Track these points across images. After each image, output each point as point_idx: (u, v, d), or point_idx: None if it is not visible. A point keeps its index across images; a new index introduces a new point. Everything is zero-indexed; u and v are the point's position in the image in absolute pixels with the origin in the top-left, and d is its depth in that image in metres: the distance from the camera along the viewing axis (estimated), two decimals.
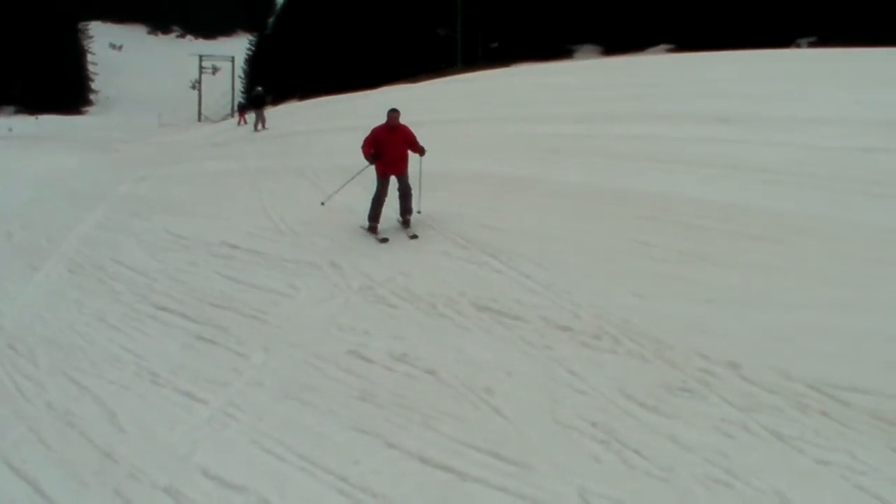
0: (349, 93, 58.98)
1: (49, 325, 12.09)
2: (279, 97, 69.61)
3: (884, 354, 8.35)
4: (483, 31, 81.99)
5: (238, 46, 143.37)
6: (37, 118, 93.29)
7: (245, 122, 48.63)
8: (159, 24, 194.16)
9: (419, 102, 35.48)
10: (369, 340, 10.12)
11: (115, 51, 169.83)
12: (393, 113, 15.07)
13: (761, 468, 6.67)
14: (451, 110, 32.55)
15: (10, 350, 11.09)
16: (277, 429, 8.09)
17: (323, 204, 16.70)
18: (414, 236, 14.52)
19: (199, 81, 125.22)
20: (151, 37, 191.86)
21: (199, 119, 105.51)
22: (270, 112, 41.20)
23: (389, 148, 14.81)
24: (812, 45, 53.17)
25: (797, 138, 17.81)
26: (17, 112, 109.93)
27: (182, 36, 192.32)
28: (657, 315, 9.63)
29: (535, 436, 7.52)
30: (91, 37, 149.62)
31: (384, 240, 14.50)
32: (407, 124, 15.28)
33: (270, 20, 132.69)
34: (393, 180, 15.09)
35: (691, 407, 7.76)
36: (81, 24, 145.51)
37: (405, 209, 15.24)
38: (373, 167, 15.03)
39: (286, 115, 47.68)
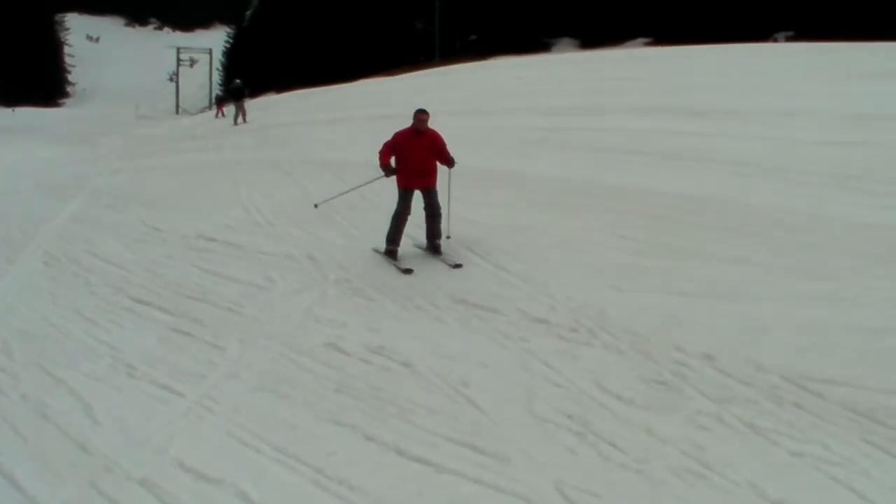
0: (327, 86, 58.94)
1: (24, 318, 12.02)
2: (257, 90, 69.34)
3: (857, 347, 8.40)
4: (461, 23, 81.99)
5: (216, 39, 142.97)
6: (13, 110, 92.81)
7: (223, 115, 48.49)
8: (137, 16, 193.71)
9: (397, 95, 35.52)
10: (346, 333, 10.12)
11: (92, 43, 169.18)
12: (421, 115, 12.64)
13: (736, 460, 6.70)
14: (428, 103, 32.40)
15: None
16: (254, 421, 8.07)
17: (316, 206, 14.86)
18: (457, 265, 12.19)
19: (177, 74, 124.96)
20: (129, 29, 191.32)
21: (177, 111, 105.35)
22: (248, 105, 40.84)
23: (414, 157, 12.59)
24: (790, 39, 53.45)
25: (773, 132, 17.92)
26: None
27: (160, 28, 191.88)
28: (633, 308, 9.66)
29: (511, 428, 7.53)
30: (68, 29, 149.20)
31: (407, 270, 12.19)
32: (437, 130, 12.99)
33: (248, 13, 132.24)
34: (417, 198, 12.91)
35: (667, 399, 7.78)
36: (58, 16, 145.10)
37: (433, 233, 12.94)
38: (389, 178, 12.92)
39: (264, 108, 47.58)
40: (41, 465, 7.63)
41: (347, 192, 14.96)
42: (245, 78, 53.70)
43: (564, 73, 38.64)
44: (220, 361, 9.66)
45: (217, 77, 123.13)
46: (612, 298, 10.19)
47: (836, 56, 31.17)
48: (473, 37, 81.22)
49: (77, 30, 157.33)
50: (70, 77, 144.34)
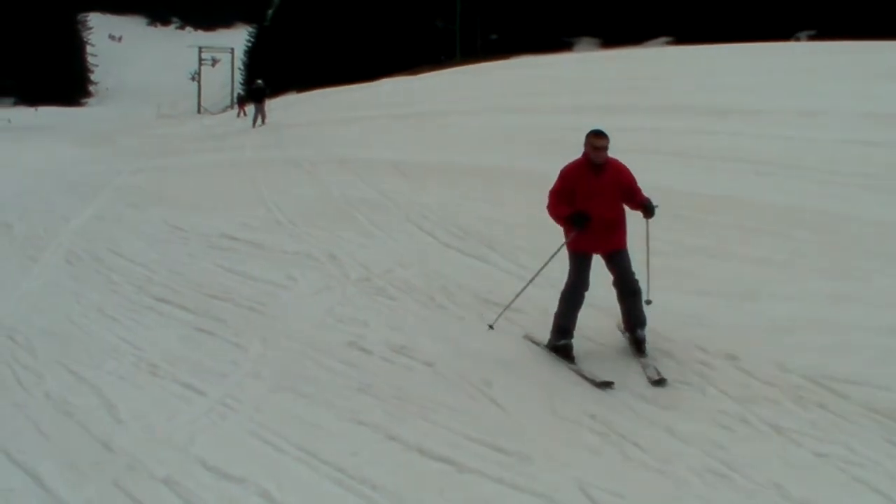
0: (348, 85, 58.98)
1: (47, 317, 12.06)
2: (278, 89, 69.50)
3: (880, 347, 8.37)
4: (482, 23, 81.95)
5: (237, 38, 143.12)
6: (36, 109, 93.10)
7: (245, 115, 48.53)
8: (159, 15, 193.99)
9: (418, 94, 35.54)
10: (367, 332, 10.13)
11: (114, 42, 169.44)
12: (597, 138, 8.77)
13: (759, 460, 6.67)
14: (450, 102, 32.59)
15: (9, 341, 11.06)
16: (276, 420, 8.08)
17: (491, 327, 9.81)
18: (659, 380, 8.18)
19: (199, 73, 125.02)
20: (151, 28, 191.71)
21: (199, 111, 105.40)
22: (269, 104, 40.76)
23: (594, 203, 8.76)
24: (812, 38, 53.21)
25: (795, 131, 17.85)
26: (17, 103, 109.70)
27: (181, 27, 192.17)
28: (655, 307, 9.64)
29: (534, 427, 7.53)
30: (90, 28, 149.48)
31: (605, 384, 8.23)
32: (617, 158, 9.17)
33: (269, 12, 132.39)
34: (597, 264, 9.16)
35: (689, 399, 7.77)
36: (81, 16, 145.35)
37: (632, 317, 9.03)
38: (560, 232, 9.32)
39: (285, 107, 47.67)
40: (64, 464, 7.65)
41: (523, 289, 9.98)
42: (266, 77, 53.75)
43: (585, 71, 38.57)
44: (242, 360, 9.67)
45: (239, 76, 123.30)
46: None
47: (859, 55, 31.02)
48: (494, 36, 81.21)
49: (99, 29, 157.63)
50: (92, 76, 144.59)
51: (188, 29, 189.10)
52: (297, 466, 7.19)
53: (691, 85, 27.81)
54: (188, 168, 26.08)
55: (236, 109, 55.29)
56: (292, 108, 46.24)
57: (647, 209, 8.87)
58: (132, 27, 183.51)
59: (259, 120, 39.36)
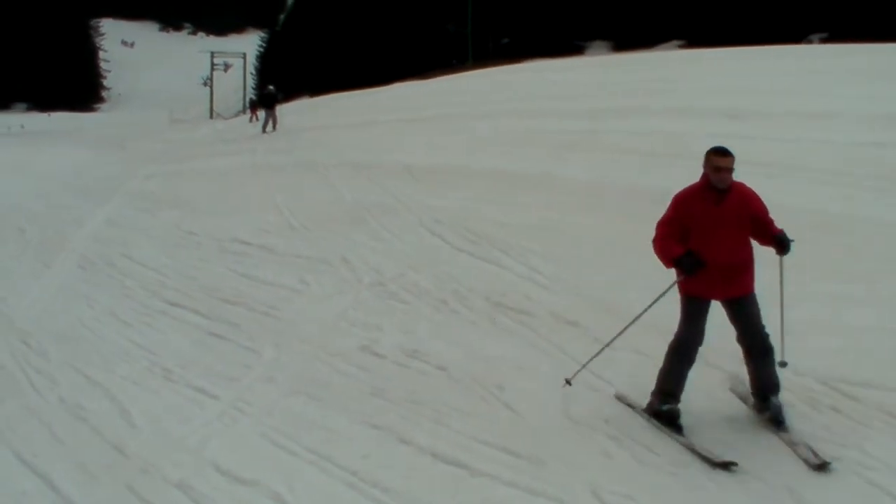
0: (360, 89, 59.01)
1: (60, 321, 12.11)
2: (290, 94, 69.58)
3: (892, 349, 8.35)
4: (493, 27, 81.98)
5: (249, 43, 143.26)
6: (49, 115, 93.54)
7: (257, 119, 48.51)
8: (171, 20, 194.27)
9: (431, 99, 35.53)
10: (380, 336, 10.13)
11: (126, 48, 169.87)
12: (721, 158, 7.22)
13: (773, 464, 6.65)
14: (462, 106, 32.58)
15: (23, 345, 11.12)
16: (288, 423, 8.09)
17: (569, 383, 8.00)
18: (822, 464, 6.53)
19: (211, 78, 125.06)
20: (163, 34, 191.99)
21: (211, 116, 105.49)
22: (281, 109, 40.63)
23: (714, 240, 7.15)
24: (824, 40, 53.09)
25: (807, 133, 17.81)
26: (29, 109, 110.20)
27: (193, 33, 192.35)
28: (667, 310, 9.62)
29: (547, 431, 7.52)
30: (103, 34, 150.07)
31: (727, 464, 6.65)
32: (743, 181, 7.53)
33: (281, 17, 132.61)
34: (716, 311, 7.46)
35: (702, 402, 7.75)
36: (93, 22, 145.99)
37: (762, 381, 7.39)
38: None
39: (297, 112, 47.68)
40: (78, 467, 7.68)
41: (609, 343, 8.17)
42: (278, 82, 53.86)
43: (598, 75, 38.53)
44: (255, 364, 9.69)
45: (251, 81, 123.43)
46: (645, 300, 10.13)
47: (871, 57, 30.93)
48: (506, 40, 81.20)
49: (112, 35, 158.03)
50: (105, 82, 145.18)
51: (200, 34, 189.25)
52: (310, 470, 7.20)
53: (703, 88, 27.75)
54: (201, 172, 26.12)
55: (248, 114, 55.33)
56: (305, 113, 46.25)
57: (781, 244, 7.29)
58: (144, 33, 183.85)
59: (270, 125, 39.23)
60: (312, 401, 8.61)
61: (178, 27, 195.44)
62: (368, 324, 10.58)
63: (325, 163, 22.85)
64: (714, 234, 7.11)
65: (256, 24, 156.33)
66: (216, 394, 8.96)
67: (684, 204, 7.33)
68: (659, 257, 7.41)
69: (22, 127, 71.63)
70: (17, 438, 8.41)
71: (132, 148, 41.24)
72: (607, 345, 8.04)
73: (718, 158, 7.19)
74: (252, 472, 7.18)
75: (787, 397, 7.55)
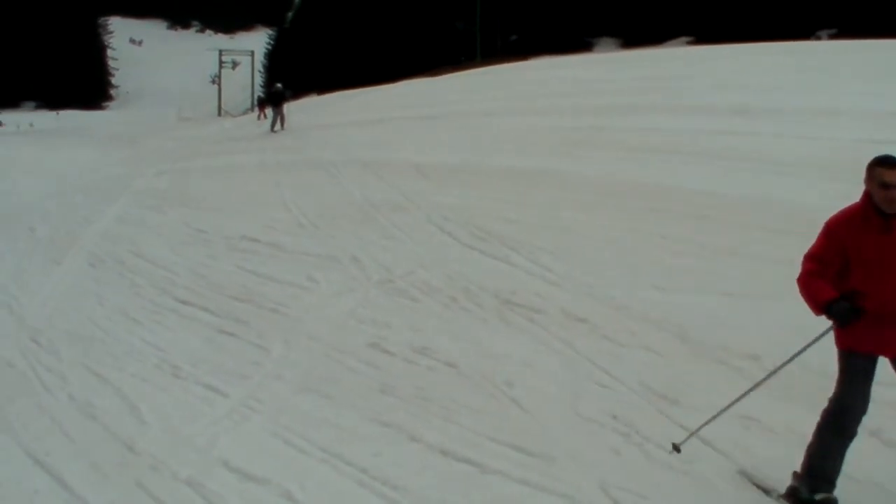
0: (368, 87, 59.03)
1: (70, 319, 12.13)
2: (298, 91, 69.61)
3: None
4: (501, 24, 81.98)
5: (257, 41, 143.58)
6: (57, 113, 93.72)
7: (265, 117, 48.50)
8: (179, 19, 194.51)
9: (439, 96, 35.53)
10: (389, 333, 10.13)
11: (135, 46, 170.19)
12: (891, 172, 5.68)
13: (784, 462, 6.63)
14: (470, 103, 32.58)
15: (33, 343, 11.14)
16: (298, 421, 8.09)
17: (678, 450, 6.59)
18: None
19: (219, 76, 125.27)
20: (171, 32, 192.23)
21: (220, 114, 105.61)
22: (289, 107, 40.47)
23: (881, 278, 5.67)
24: (833, 37, 53.02)
25: (817, 130, 17.77)
26: (38, 107, 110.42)
27: (201, 31, 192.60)
28: (677, 308, 9.61)
29: (556, 428, 7.51)
30: (111, 32, 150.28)
31: None
32: None
33: (289, 14, 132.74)
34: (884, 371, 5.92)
35: (712, 400, 7.73)
36: (101, 20, 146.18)
37: None
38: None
39: (305, 110, 47.71)
40: (88, 465, 7.69)
41: (735, 402, 6.72)
42: (286, 79, 53.91)
43: (606, 72, 38.51)
44: (265, 362, 9.70)
45: (259, 79, 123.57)
46: (656, 298, 10.13)
47: (880, 54, 30.88)
48: (514, 37, 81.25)
49: (120, 33, 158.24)
50: (113, 80, 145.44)
51: (208, 32, 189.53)
52: (320, 467, 7.20)
53: (712, 85, 27.73)
54: (210, 170, 26.14)
55: (257, 112, 55.31)
56: (313, 111, 46.26)
57: None
58: (153, 31, 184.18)
59: (278, 123, 39.13)
60: (322, 398, 8.61)
61: (186, 25, 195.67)
62: (377, 321, 10.58)
63: (334, 160, 22.84)
64: (881, 272, 5.61)
65: (264, 22, 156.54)
66: (226, 391, 8.96)
67: (840, 232, 5.84)
68: (806, 301, 5.94)
69: (31, 125, 71.79)
70: (28, 437, 8.42)
71: (140, 146, 41.31)
72: (737, 399, 6.66)
73: (886, 171, 5.64)
74: (262, 469, 7.18)
75: (799, 395, 7.53)
